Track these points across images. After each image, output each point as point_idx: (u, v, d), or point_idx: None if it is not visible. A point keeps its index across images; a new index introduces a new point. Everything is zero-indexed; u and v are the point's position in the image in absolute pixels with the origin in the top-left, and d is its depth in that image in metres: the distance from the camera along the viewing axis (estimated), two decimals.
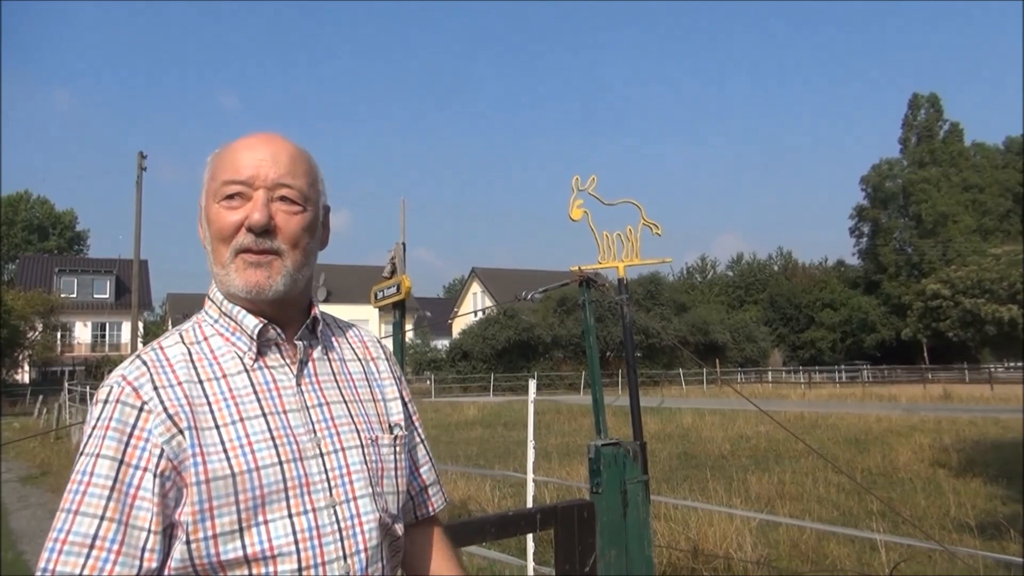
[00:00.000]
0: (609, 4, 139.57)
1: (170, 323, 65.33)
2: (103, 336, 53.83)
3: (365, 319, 58.90)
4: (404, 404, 1.31)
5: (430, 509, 1.35)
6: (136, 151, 31.04)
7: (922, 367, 49.00)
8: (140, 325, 41.24)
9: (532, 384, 5.41)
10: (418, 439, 1.35)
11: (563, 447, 13.39)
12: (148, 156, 31.35)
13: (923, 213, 65.80)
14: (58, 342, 47.74)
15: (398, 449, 1.22)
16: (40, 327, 41.28)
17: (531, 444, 5.17)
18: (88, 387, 24.41)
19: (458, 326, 52.46)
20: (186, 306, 72.11)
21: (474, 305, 61.82)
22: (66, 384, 25.46)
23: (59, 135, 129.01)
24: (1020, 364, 50.88)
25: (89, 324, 53.12)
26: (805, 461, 11.26)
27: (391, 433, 1.23)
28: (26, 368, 44.54)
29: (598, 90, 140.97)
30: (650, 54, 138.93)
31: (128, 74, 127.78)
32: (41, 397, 25.89)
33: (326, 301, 59.93)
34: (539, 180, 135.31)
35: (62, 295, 48.97)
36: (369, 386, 1.26)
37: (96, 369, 44.56)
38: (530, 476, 5.33)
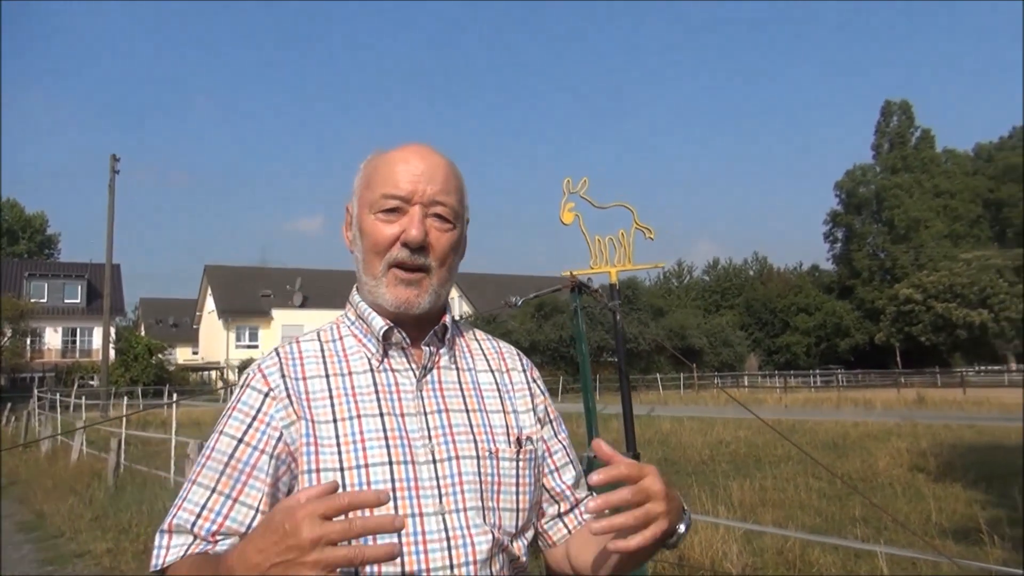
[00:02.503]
0: (585, 9, 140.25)
1: (143, 328, 64.67)
2: (74, 342, 52.93)
3: None
4: (540, 419, 1.27)
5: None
6: (109, 153, 30.57)
7: (895, 371, 49.53)
8: (112, 331, 40.60)
9: None
10: (568, 459, 1.29)
11: None
12: (121, 159, 30.89)
13: (896, 219, 66.69)
14: (27, 348, 46.85)
15: (522, 464, 1.18)
16: (9, 333, 40.50)
17: None
18: (58, 394, 23.95)
19: None
20: (159, 311, 71.40)
21: (451, 310, 61.48)
22: (35, 391, 24.93)
23: (30, 136, 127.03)
24: (991, 367, 51.69)
25: (60, 330, 52.20)
26: (785, 466, 11.25)
27: (518, 446, 1.19)
28: None
29: (582, 93, 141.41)
30: (631, 61, 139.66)
31: (101, 75, 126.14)
32: (9, 405, 25.32)
33: (303, 306, 59.48)
34: (515, 183, 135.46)
35: (32, 300, 48.04)
36: (500, 398, 1.23)
37: (66, 376, 43.70)
38: None
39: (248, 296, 59.51)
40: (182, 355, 65.34)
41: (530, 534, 1.21)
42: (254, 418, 1.10)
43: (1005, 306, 53.22)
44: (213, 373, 58.11)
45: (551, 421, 1.29)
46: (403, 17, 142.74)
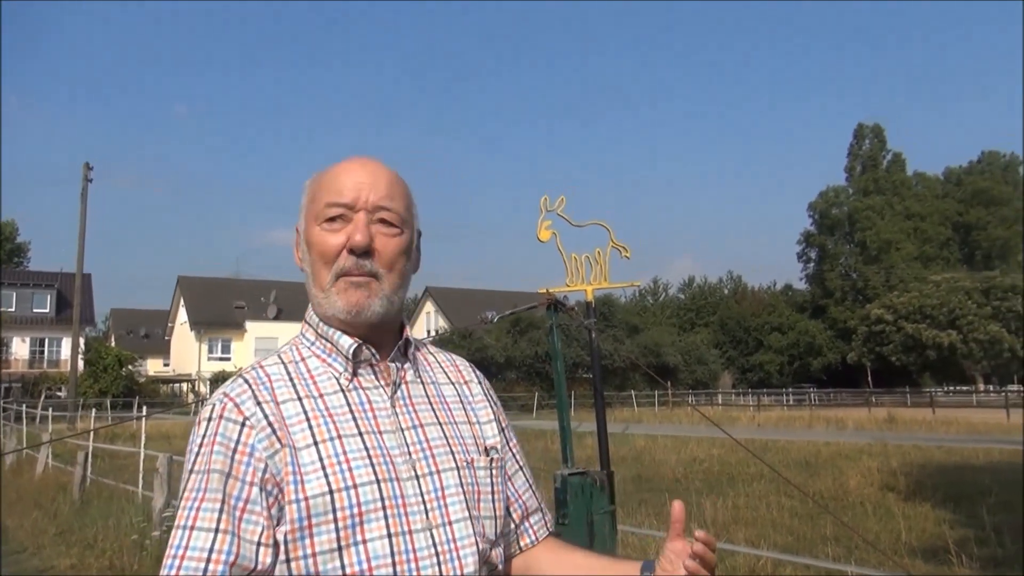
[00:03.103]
0: (562, 28, 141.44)
1: (113, 339, 63.74)
2: (42, 352, 52.00)
3: None
4: (501, 428, 1.29)
5: (534, 538, 1.30)
6: (82, 161, 30.25)
7: (867, 391, 50.08)
8: (81, 341, 39.97)
9: None
10: (517, 466, 1.32)
11: None
12: (94, 167, 30.54)
13: (867, 240, 67.71)
14: None
15: (494, 472, 1.21)
16: None
17: None
18: (24, 405, 23.51)
19: None
20: (130, 321, 70.49)
21: (427, 325, 61.37)
22: (1, 402, 24.45)
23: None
24: (960, 388, 52.43)
25: (28, 339, 51.30)
26: (758, 484, 11.31)
27: (487, 455, 1.21)
28: None
29: (558, 112, 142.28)
30: (609, 81, 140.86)
31: (75, 82, 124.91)
32: None
33: (277, 318, 58.94)
34: (492, 198, 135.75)
35: (0, 309, 47.20)
36: (464, 409, 1.25)
37: (33, 387, 42.93)
38: None
39: (221, 308, 58.89)
40: (153, 367, 64.47)
41: (504, 541, 1.22)
42: (235, 451, 1.05)
43: (973, 327, 54.12)
44: (184, 385, 57.36)
45: (503, 430, 1.30)
46: (381, 31, 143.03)
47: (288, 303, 59.44)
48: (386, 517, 1.05)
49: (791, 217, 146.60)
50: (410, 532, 1.06)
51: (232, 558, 1.00)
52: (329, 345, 1.17)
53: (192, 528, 1.01)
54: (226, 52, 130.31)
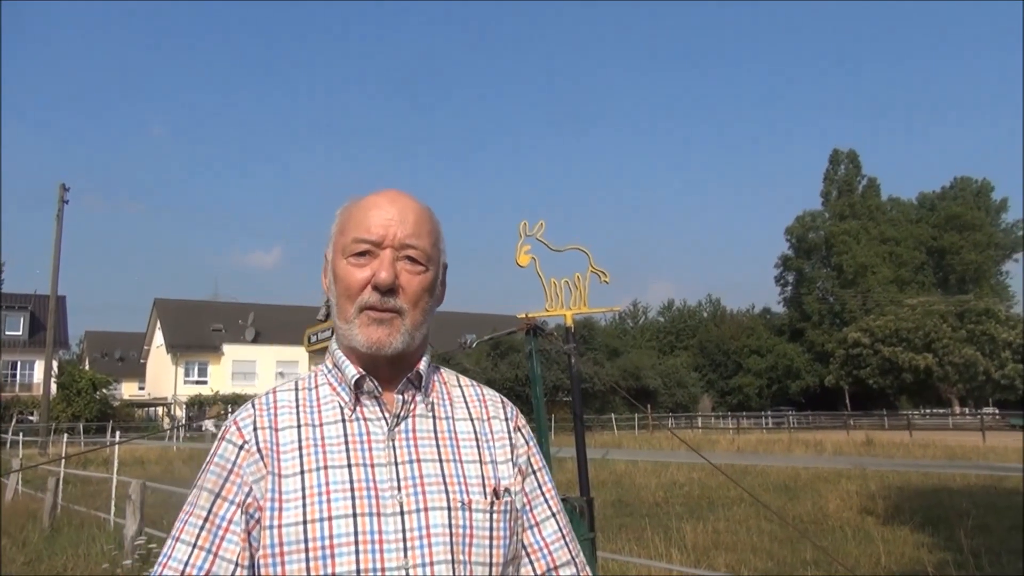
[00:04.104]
0: (538, 49, 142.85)
1: (87, 362, 62.82)
2: (14, 375, 51.15)
3: (294, 360, 57.60)
4: (529, 470, 1.24)
5: None
6: (57, 182, 29.97)
7: (844, 413, 50.39)
8: (54, 364, 39.34)
9: None
10: (548, 512, 1.24)
11: None
12: (70, 188, 30.30)
13: (844, 264, 68.51)
14: None
15: (495, 516, 1.13)
16: None
17: None
18: None
19: None
20: (105, 344, 69.54)
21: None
22: None
23: None
24: (936, 410, 52.90)
25: None
26: (738, 509, 11.30)
27: (493, 498, 1.15)
28: None
29: (537, 134, 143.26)
30: (587, 104, 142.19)
31: (50, 101, 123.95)
32: None
33: (255, 341, 58.43)
34: (470, 222, 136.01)
35: None
36: (477, 447, 1.20)
37: (4, 411, 42.14)
38: None
39: (198, 330, 58.31)
40: (128, 390, 63.57)
41: None
42: (229, 471, 1.12)
43: (949, 351, 54.72)
44: (160, 409, 56.55)
45: (534, 472, 1.24)
46: (358, 53, 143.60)
47: (266, 326, 59.01)
48: (357, 552, 1.04)
49: (769, 241, 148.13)
50: (382, 570, 1.03)
51: (204, 573, 1.07)
52: (339, 374, 1.19)
53: (177, 539, 1.10)
54: (203, 74, 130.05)
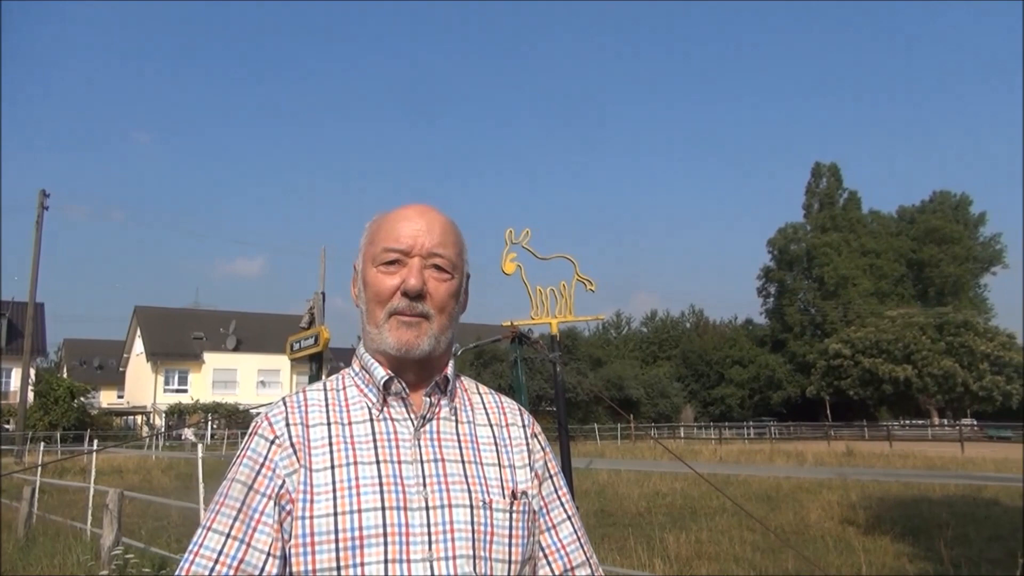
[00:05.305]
0: (522, 57, 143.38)
1: (65, 370, 62.03)
2: None
3: (276, 369, 57.21)
4: (546, 475, 1.30)
5: None
6: (37, 188, 29.66)
7: (825, 424, 50.69)
8: (32, 372, 38.84)
9: None
10: (564, 515, 1.30)
11: None
12: (51, 195, 29.99)
13: (825, 276, 69.03)
14: None
15: (515, 516, 1.20)
16: None
17: None
18: None
19: None
20: (83, 352, 68.72)
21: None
22: None
23: None
24: (915, 421, 53.31)
25: None
26: (721, 519, 11.31)
27: (511, 499, 1.21)
28: None
29: (521, 147, 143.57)
30: (572, 115, 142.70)
31: (30, 106, 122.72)
32: None
33: (236, 349, 57.95)
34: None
35: None
36: (497, 451, 1.26)
37: None
38: None
39: (179, 338, 57.73)
40: (106, 398, 62.82)
41: None
42: (262, 465, 1.17)
43: (928, 362, 55.22)
44: (139, 418, 55.89)
45: (551, 477, 1.31)
46: (347, 53, 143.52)
47: (248, 334, 58.56)
48: (385, 544, 1.10)
49: (751, 253, 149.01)
50: (408, 561, 1.09)
51: (237, 563, 1.11)
52: (367, 376, 1.25)
53: (209, 528, 1.14)
54: (186, 79, 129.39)
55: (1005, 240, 74.44)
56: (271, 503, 1.14)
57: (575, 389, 44.41)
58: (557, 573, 1.25)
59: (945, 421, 53.71)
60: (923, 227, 72.37)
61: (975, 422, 49.70)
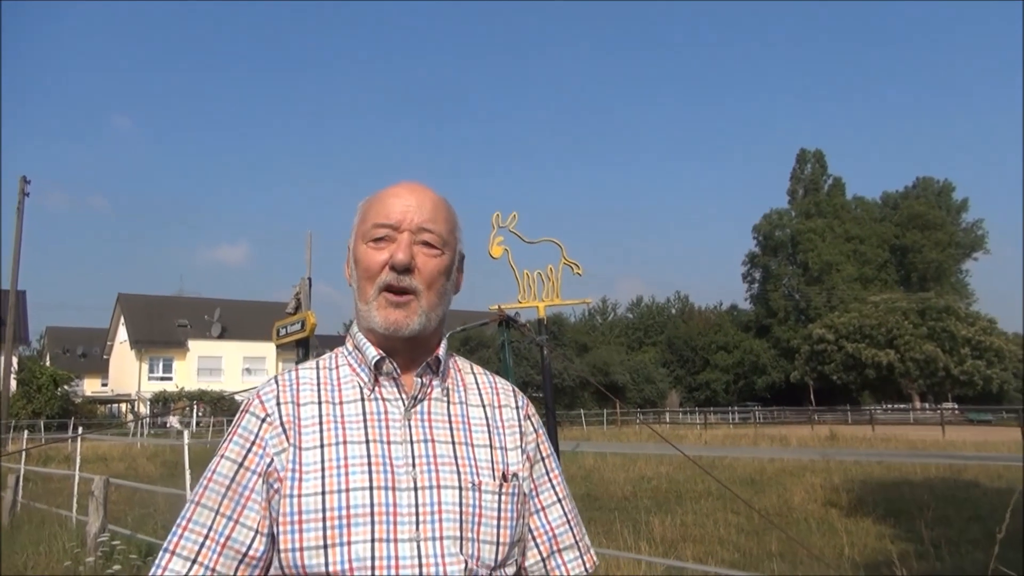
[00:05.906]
0: (513, 47, 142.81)
1: (48, 358, 61.51)
2: None
3: (261, 356, 56.95)
4: (538, 457, 1.30)
5: (566, 574, 1.28)
6: (18, 174, 29.31)
7: (809, 409, 51.15)
8: (14, 360, 38.51)
9: None
10: (555, 498, 1.31)
11: None
12: (32, 181, 29.65)
13: (809, 261, 69.50)
14: None
15: (504, 498, 1.20)
16: None
17: None
18: None
19: None
20: (67, 340, 68.13)
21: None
22: None
23: None
24: (898, 406, 53.91)
25: None
26: (705, 502, 11.41)
27: (501, 481, 1.21)
28: None
29: (511, 131, 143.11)
30: (559, 104, 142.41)
31: (9, 91, 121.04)
32: None
33: (221, 337, 57.68)
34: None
35: None
36: (488, 433, 1.26)
37: None
38: None
39: (163, 326, 57.38)
40: (90, 386, 62.37)
41: (511, 570, 1.21)
42: (252, 443, 1.17)
43: (910, 347, 55.81)
44: (123, 405, 55.60)
45: (543, 459, 1.31)
46: (335, 43, 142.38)
47: (233, 322, 58.27)
48: (373, 523, 1.10)
49: (736, 238, 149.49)
50: (395, 540, 1.09)
51: (224, 539, 1.12)
52: (359, 355, 1.24)
53: (198, 504, 1.15)
54: (168, 63, 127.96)
55: (987, 226, 75.24)
56: (260, 480, 1.14)
57: (561, 375, 44.59)
58: (544, 555, 1.26)
59: (927, 405, 54.33)
60: (906, 213, 72.95)
61: (956, 406, 50.30)
